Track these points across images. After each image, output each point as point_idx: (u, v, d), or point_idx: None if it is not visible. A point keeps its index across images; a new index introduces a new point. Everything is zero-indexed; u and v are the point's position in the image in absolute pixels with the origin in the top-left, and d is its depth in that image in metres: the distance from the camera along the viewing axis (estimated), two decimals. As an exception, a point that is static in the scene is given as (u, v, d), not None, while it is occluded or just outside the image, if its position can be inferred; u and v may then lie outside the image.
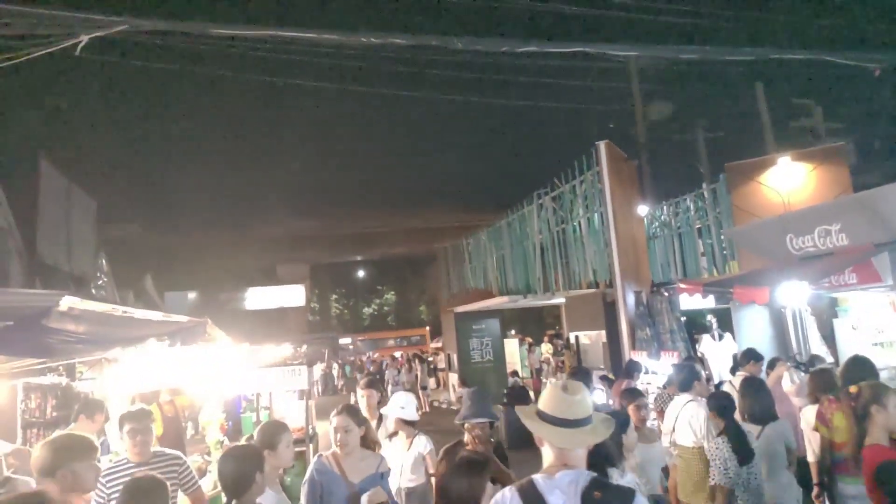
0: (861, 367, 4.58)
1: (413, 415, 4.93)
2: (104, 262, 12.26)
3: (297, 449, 3.92)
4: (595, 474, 2.47)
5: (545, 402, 2.59)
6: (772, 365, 6.16)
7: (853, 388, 3.92)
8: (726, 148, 14.38)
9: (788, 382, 5.70)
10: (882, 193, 5.53)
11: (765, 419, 4.61)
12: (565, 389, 2.57)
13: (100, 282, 11.59)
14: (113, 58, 10.98)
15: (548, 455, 2.55)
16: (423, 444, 4.85)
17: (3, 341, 3.86)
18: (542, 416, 2.56)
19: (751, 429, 4.66)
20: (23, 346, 4.07)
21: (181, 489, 4.11)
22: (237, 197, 15.98)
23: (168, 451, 4.25)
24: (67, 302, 4.56)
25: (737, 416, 4.79)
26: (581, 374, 7.34)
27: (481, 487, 2.79)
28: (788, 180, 9.62)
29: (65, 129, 12.04)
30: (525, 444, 3.66)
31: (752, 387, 4.88)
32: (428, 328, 36.39)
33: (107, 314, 5.59)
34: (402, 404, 4.97)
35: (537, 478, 2.50)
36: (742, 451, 4.37)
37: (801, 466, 4.83)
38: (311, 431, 7.98)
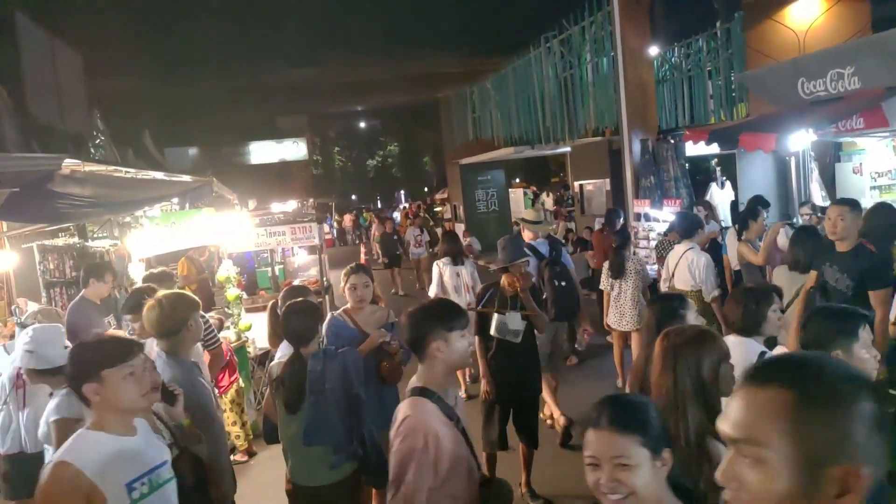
0: (887, 212, 4.64)
1: (51, 360, 3.19)
2: (99, 119, 12.04)
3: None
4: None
5: (525, 214, 6.44)
6: (755, 215, 6.13)
7: None
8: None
9: (784, 238, 5.77)
10: (902, 33, 5.26)
11: (810, 268, 4.42)
12: (535, 211, 6.74)
13: (97, 140, 11.48)
14: None
15: (527, 236, 6.05)
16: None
17: (13, 208, 3.94)
18: (524, 220, 6.27)
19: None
20: (32, 212, 4.16)
21: (203, 346, 4.25)
22: (232, 46, 15.25)
23: None
24: (68, 164, 4.58)
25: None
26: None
27: None
28: (807, 19, 9.09)
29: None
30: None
31: (804, 235, 4.71)
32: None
33: (111, 176, 5.62)
34: (30, 346, 3.25)
35: (531, 244, 5.79)
36: None
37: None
38: (325, 283, 8.33)
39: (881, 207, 4.80)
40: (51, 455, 2.87)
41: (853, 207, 4.04)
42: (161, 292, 3.39)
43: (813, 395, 1.01)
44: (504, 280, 4.35)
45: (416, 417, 2.26)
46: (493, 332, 4.27)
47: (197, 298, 3.40)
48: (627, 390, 3.05)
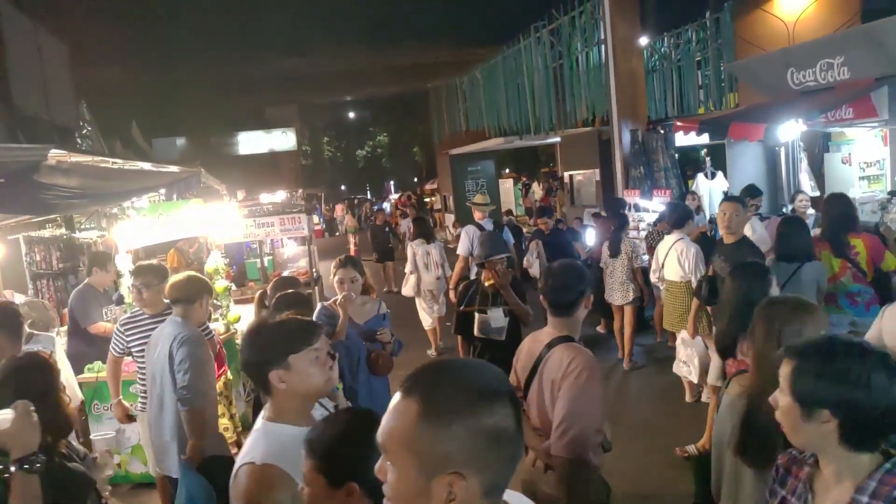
0: (839, 203, 4.70)
1: None
2: (86, 109, 11.89)
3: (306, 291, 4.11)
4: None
5: (475, 199, 8.01)
6: None
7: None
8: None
9: (749, 230, 5.50)
10: (888, 24, 5.27)
11: (805, 257, 4.41)
12: (484, 195, 8.99)
13: (84, 131, 11.33)
14: None
15: (476, 215, 7.60)
16: None
17: (-2, 199, 3.88)
18: (473, 203, 7.85)
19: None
20: (18, 204, 4.10)
21: None
22: (221, 36, 15.08)
23: None
24: (54, 154, 4.52)
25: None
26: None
27: None
28: (796, 9, 9.10)
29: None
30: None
31: (794, 224, 4.70)
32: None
33: (98, 167, 5.56)
34: None
35: (478, 223, 7.48)
36: None
37: None
38: (315, 274, 8.29)
39: (834, 198, 4.83)
40: None
41: (743, 205, 4.67)
42: (188, 272, 3.89)
43: (432, 410, 1.07)
44: (483, 275, 4.31)
45: (585, 356, 2.53)
46: (476, 332, 4.19)
47: (210, 283, 3.72)
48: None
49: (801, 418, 1.50)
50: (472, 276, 7.06)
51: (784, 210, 7.31)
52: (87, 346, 4.91)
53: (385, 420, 1.13)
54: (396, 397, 1.13)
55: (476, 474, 1.07)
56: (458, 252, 7.65)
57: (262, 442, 1.91)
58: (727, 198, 4.92)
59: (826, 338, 1.59)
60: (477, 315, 4.17)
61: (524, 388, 2.74)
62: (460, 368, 1.17)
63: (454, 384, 1.11)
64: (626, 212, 8.62)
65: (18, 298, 5.16)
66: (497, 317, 4.12)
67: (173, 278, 3.71)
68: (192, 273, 3.83)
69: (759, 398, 2.15)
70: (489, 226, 7.52)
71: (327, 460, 1.58)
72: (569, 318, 2.67)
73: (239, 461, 1.90)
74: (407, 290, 8.02)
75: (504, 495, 1.19)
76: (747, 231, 5.62)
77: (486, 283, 4.24)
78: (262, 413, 2.01)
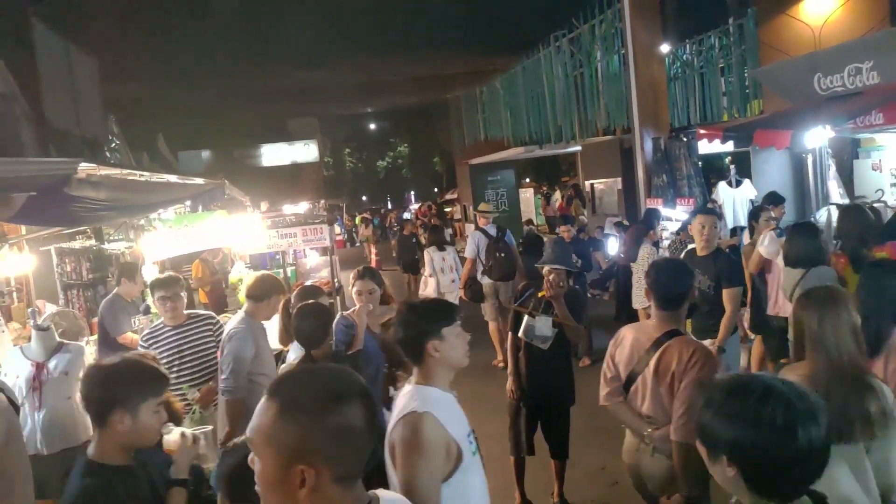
0: (855, 215, 4.61)
1: None
2: (114, 123, 12.13)
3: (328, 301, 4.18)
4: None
5: (479, 206, 8.86)
6: (756, 216, 5.92)
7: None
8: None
9: (764, 245, 5.21)
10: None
11: (809, 263, 4.34)
12: (487, 203, 9.38)
13: (112, 144, 11.55)
14: None
15: (481, 221, 8.23)
16: None
17: (30, 212, 3.96)
18: (479, 211, 8.55)
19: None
20: (49, 216, 4.18)
21: (216, 345, 4.31)
22: (244, 50, 15.31)
23: (202, 312, 4.45)
24: (84, 167, 4.60)
25: (780, 261, 4.90)
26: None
27: None
28: (822, 13, 8.97)
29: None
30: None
31: (802, 230, 4.62)
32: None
33: (126, 179, 5.65)
34: None
35: (482, 228, 8.10)
36: None
37: None
38: (336, 284, 8.33)
39: (849, 211, 4.73)
40: None
41: (718, 217, 4.85)
42: (262, 271, 4.42)
43: (288, 409, 1.24)
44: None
45: (703, 349, 2.72)
46: (520, 333, 4.17)
47: (282, 284, 3.99)
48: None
49: (707, 460, 1.46)
50: (479, 278, 7.93)
51: (812, 218, 7.17)
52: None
53: (252, 418, 1.29)
54: (262, 399, 1.29)
55: (325, 465, 1.22)
56: (465, 255, 8.30)
57: (417, 397, 2.22)
58: (703, 210, 5.00)
59: (733, 376, 1.53)
60: (525, 317, 4.14)
61: (626, 379, 2.89)
62: (317, 374, 1.37)
63: (308, 387, 1.28)
64: (659, 221, 8.59)
65: (50, 308, 5.26)
66: (544, 325, 4.07)
67: (251, 277, 4.12)
68: (267, 272, 4.34)
69: (826, 382, 2.26)
70: (493, 231, 8.00)
71: (231, 489, 1.81)
72: (675, 312, 2.84)
73: (397, 416, 2.20)
74: (427, 293, 8.57)
75: (381, 496, 1.38)
76: (760, 247, 5.40)
77: (539, 293, 4.20)
78: (411, 379, 2.34)
